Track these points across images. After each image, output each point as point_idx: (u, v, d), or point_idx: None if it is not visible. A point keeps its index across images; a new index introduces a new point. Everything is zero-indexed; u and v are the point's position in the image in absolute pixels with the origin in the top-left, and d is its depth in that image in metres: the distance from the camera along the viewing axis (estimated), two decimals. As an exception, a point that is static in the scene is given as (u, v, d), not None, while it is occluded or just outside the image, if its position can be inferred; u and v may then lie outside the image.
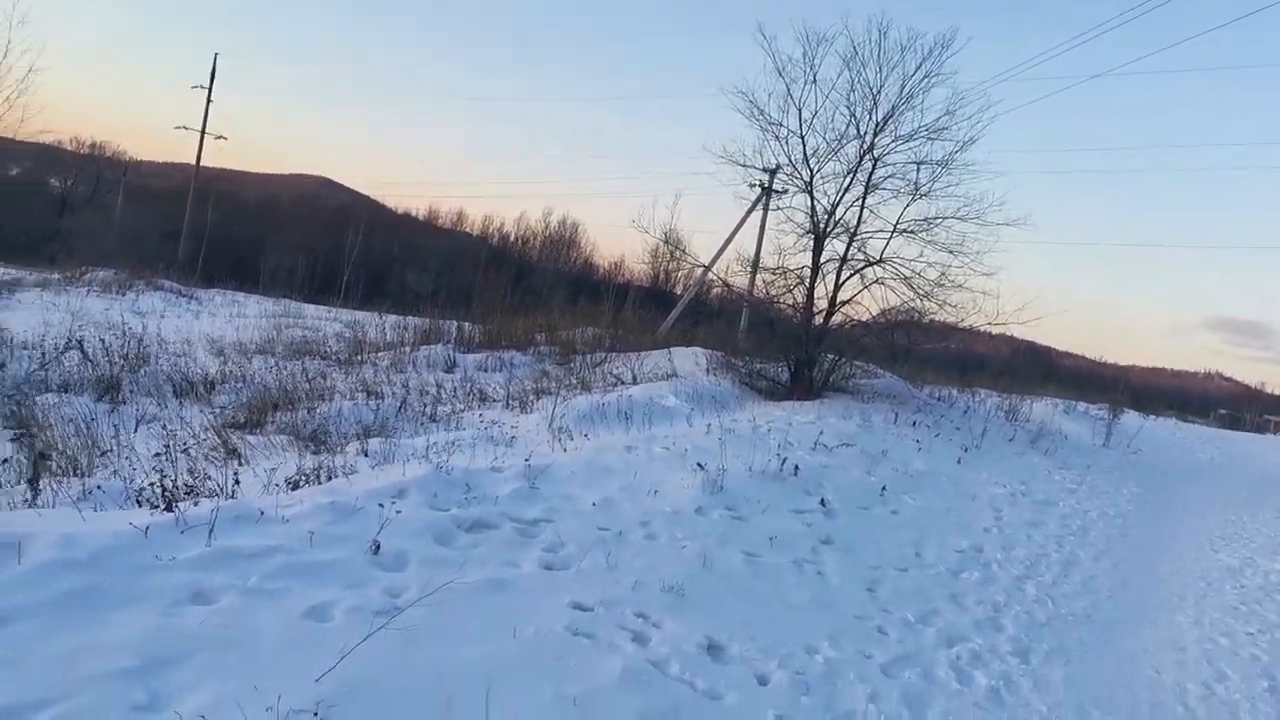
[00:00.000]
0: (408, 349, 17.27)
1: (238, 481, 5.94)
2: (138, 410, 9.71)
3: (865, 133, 15.73)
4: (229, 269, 38.19)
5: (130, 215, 45.28)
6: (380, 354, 17.26)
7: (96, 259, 29.31)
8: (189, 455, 7.57)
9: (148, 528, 4.50)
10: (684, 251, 24.47)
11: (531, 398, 12.73)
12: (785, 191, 18.91)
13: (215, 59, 42.02)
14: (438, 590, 4.71)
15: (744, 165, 16.44)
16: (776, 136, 16.11)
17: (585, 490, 7.27)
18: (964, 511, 10.01)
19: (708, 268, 24.63)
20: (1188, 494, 15.54)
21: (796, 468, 9.42)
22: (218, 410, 10.49)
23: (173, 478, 5.69)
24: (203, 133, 42.24)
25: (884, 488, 9.77)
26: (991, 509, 10.46)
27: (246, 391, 11.49)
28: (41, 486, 5.49)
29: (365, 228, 54.61)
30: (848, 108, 15.73)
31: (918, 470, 11.24)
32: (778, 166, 17.39)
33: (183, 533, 4.64)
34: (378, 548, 5.07)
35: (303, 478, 6.47)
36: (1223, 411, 66.89)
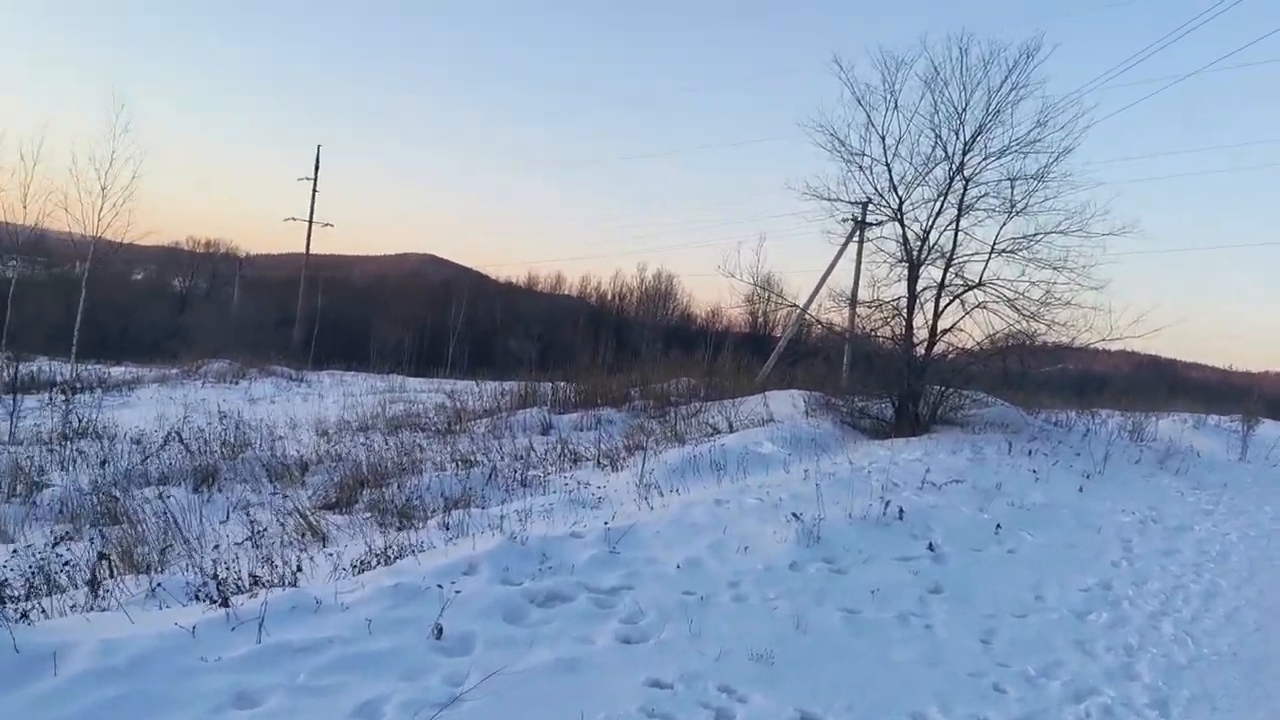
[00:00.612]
0: (504, 414, 17.19)
1: (299, 569, 5.74)
2: (230, 498, 9.74)
3: (953, 154, 15.15)
4: (339, 351, 39.23)
5: (246, 307, 47.21)
6: (478, 421, 17.24)
7: (213, 351, 30.40)
8: (257, 545, 7.44)
9: (195, 626, 4.30)
10: (776, 293, 23.93)
11: (624, 455, 12.42)
12: (880, 223, 18.32)
13: (319, 151, 43.76)
14: (499, 675, 4.37)
15: (829, 199, 15.98)
16: (860, 167, 15.64)
17: (670, 551, 6.87)
18: (1088, 545, 9.23)
19: (803, 309, 24.04)
20: (1342, 507, 14.21)
21: (901, 510, 8.84)
22: (310, 492, 10.46)
23: (235, 570, 5.52)
24: (310, 222, 43.85)
25: (998, 526, 9.09)
26: (1119, 540, 9.64)
27: (341, 471, 11.47)
28: (104, 588, 5.38)
29: (468, 298, 55.71)
30: (933, 130, 15.19)
31: (1035, 503, 10.49)
32: (869, 200, 16.81)
33: (233, 629, 4.43)
34: (440, 631, 4.78)
35: (373, 558, 6.25)
36: (1374, 413, 62.33)
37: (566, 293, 78.41)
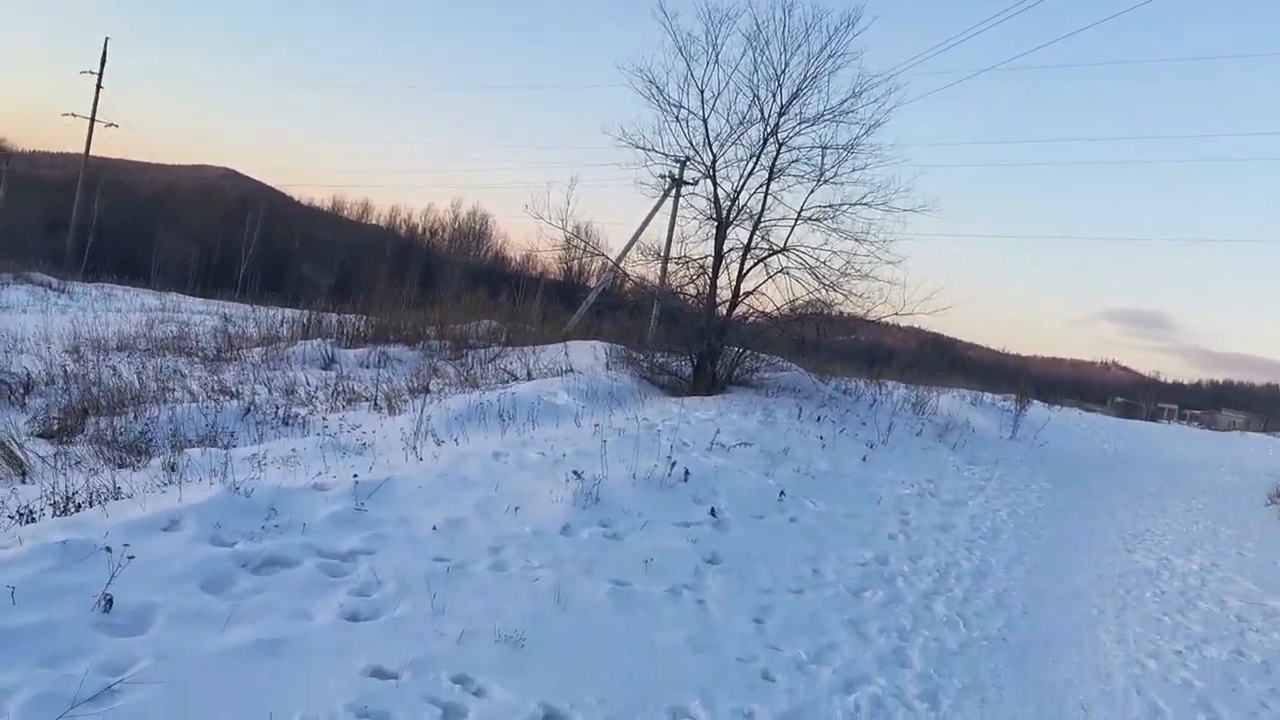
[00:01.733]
0: (283, 344, 15.79)
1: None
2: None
3: (769, 115, 14.74)
4: (117, 263, 35.73)
5: (12, 206, 42.35)
6: (253, 350, 15.78)
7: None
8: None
9: None
10: (588, 242, 23.16)
11: (406, 397, 11.46)
12: (694, 182, 17.72)
13: (105, 44, 39.50)
14: (175, 660, 3.49)
15: (644, 149, 15.27)
16: (677, 118, 15.01)
17: (429, 510, 6.07)
18: (868, 517, 9.05)
19: (615, 262, 23.40)
20: (1097, 487, 14.92)
21: (687, 472, 8.35)
22: (30, 416, 9.01)
23: None
24: (92, 120, 39.61)
25: (782, 492, 8.75)
26: (898, 512, 9.54)
27: (72, 394, 10.00)
28: None
29: (266, 219, 51.88)
30: (750, 88, 14.72)
31: (821, 471, 10.28)
32: (687, 157, 16.22)
33: None
34: (109, 603, 3.82)
35: (48, 506, 5.13)
36: (1120, 400, 68.28)
37: (375, 222, 74.96)
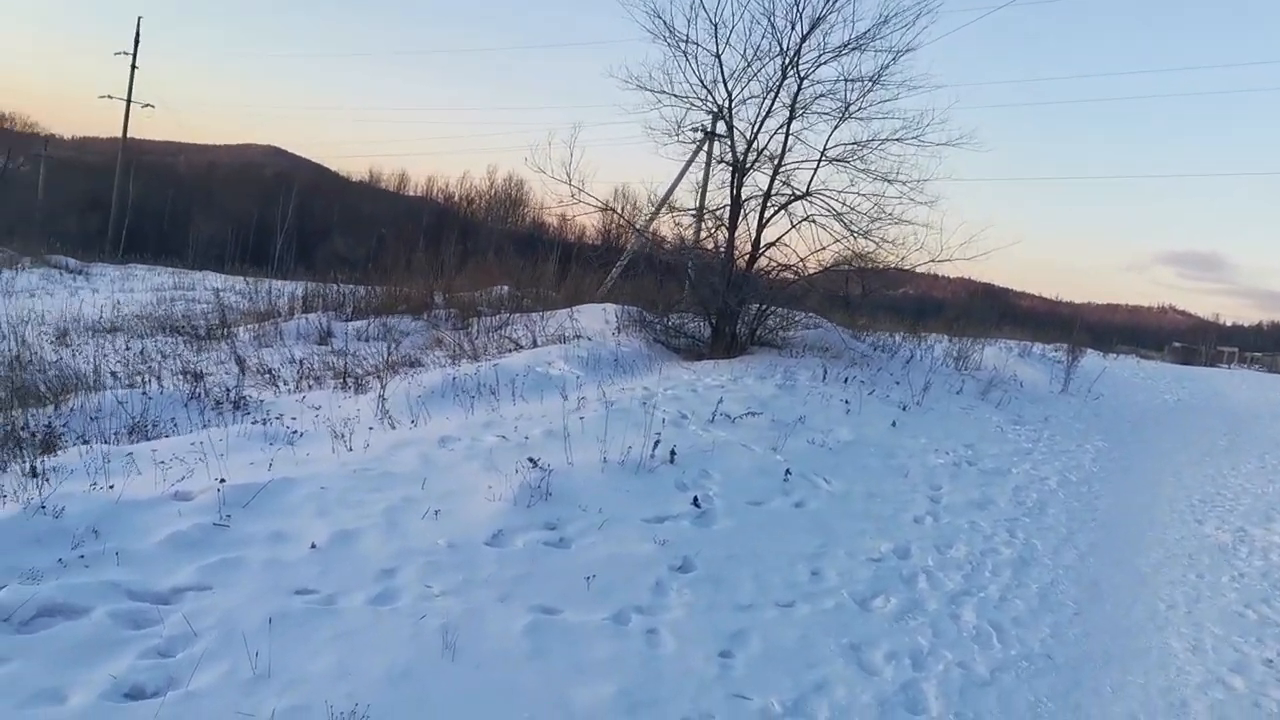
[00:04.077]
0: (279, 319, 14.71)
1: None
2: None
3: (788, 47, 13.11)
4: (155, 244, 35.13)
5: (55, 190, 41.98)
6: (259, 324, 14.72)
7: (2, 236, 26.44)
8: None
9: None
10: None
11: (385, 373, 10.24)
12: (737, 141, 15.99)
13: (139, 23, 38.93)
14: None
15: (651, 90, 13.68)
16: (685, 54, 13.43)
17: (318, 520, 4.80)
18: (892, 495, 7.62)
19: (634, 228, 21.78)
20: (1159, 444, 13.26)
21: (673, 453, 7.02)
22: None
23: None
24: (129, 101, 39.08)
25: (788, 471, 7.36)
26: (928, 487, 8.10)
27: (16, 381, 8.95)
28: None
29: (304, 194, 50.79)
30: (767, 16, 13.08)
31: (841, 440, 8.86)
32: (720, 109, 14.51)
33: None
34: None
35: None
36: (1178, 345, 65.11)
37: (412, 193, 73.65)
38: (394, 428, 7.55)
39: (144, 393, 8.21)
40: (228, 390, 8.75)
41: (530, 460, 6.17)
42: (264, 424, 7.17)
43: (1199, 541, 8.10)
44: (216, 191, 54.16)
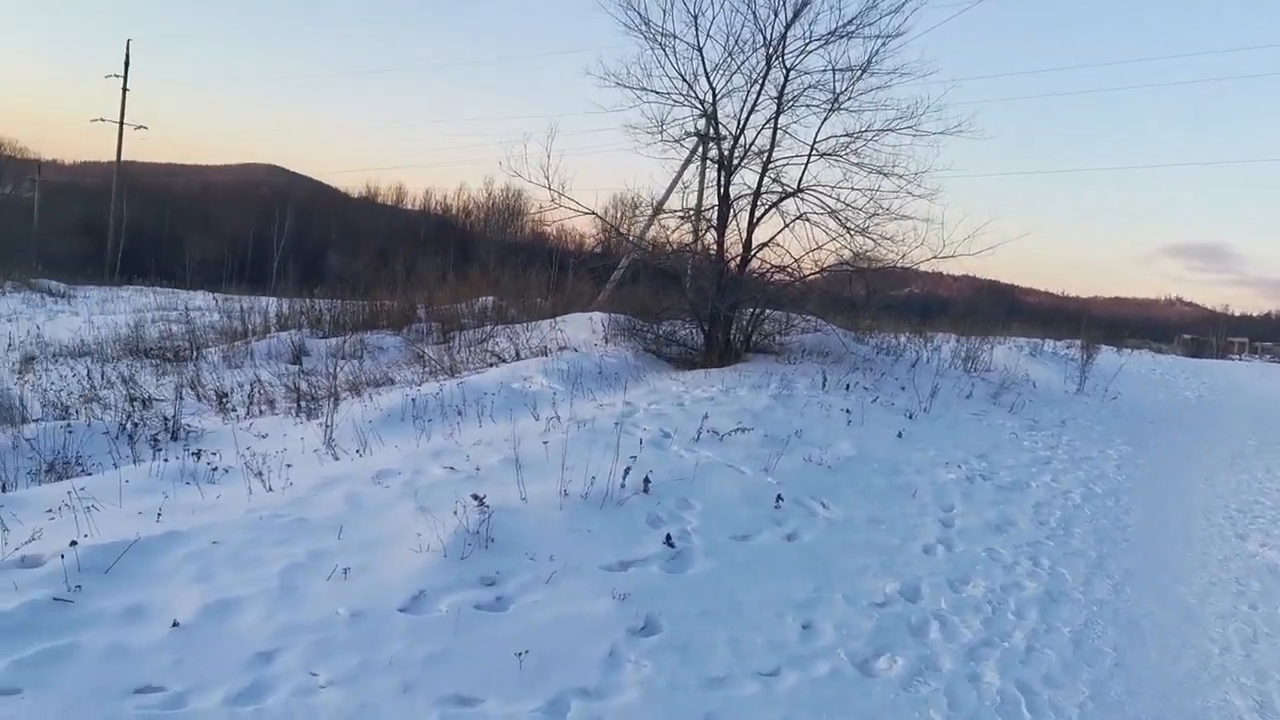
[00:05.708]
0: (250, 339, 13.86)
1: None
2: None
3: (772, 37, 12.21)
4: (153, 265, 34.29)
5: (51, 214, 41.22)
6: (230, 345, 13.89)
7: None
8: None
9: None
10: (561, 194, 20.52)
11: (342, 395, 9.35)
12: (723, 137, 14.95)
13: (128, 45, 38.26)
14: None
15: (627, 87, 12.78)
16: (664, 48, 12.53)
17: (194, 587, 3.89)
18: (899, 520, 6.68)
19: (634, 241, 20.83)
20: (1185, 445, 12.26)
21: (647, 480, 6.10)
22: None
23: None
24: (121, 123, 38.52)
25: (780, 496, 6.44)
26: (939, 509, 7.15)
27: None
28: None
29: (300, 211, 49.89)
30: (748, 4, 12.18)
31: (841, 456, 7.93)
32: (703, 104, 13.54)
33: None
34: None
35: None
36: (1187, 337, 63.76)
37: (409, 206, 72.73)
38: (337, 459, 6.66)
39: (67, 426, 7.32)
40: (165, 420, 7.86)
41: (474, 498, 5.26)
42: (187, 459, 6.27)
43: (1245, 562, 7.13)
44: (214, 211, 53.28)
